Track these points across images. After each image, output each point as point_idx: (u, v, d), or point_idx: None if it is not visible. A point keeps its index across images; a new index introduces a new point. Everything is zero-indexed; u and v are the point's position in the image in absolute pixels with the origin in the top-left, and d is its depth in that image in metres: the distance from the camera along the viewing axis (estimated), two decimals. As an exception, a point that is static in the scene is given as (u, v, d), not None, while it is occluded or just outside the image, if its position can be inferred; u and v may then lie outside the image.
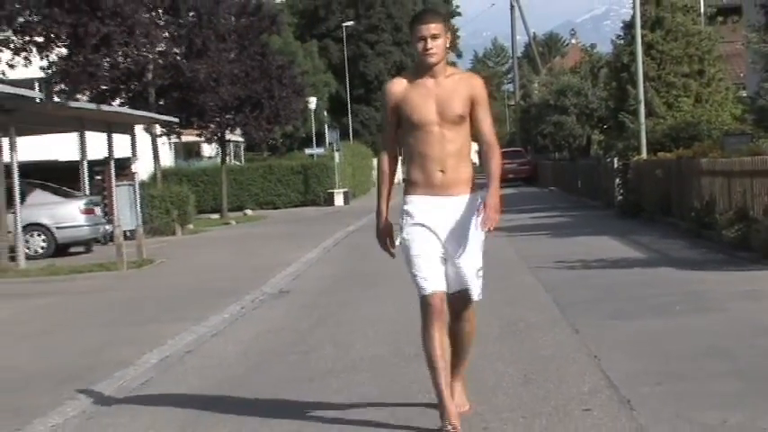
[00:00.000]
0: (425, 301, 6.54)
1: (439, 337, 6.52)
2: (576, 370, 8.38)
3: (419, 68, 6.70)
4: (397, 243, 6.68)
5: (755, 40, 20.69)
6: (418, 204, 6.63)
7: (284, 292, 15.50)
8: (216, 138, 42.88)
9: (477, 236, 6.61)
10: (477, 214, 6.50)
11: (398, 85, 6.70)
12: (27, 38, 23.37)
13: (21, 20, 22.92)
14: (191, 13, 37.11)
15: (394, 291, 13.69)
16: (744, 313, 11.05)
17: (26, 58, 23.84)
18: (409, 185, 6.71)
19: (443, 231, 6.58)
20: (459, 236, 6.60)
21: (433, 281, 6.53)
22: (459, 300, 6.72)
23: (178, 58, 36.27)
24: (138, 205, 29.82)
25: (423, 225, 6.58)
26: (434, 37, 6.54)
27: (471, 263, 6.63)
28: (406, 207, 6.68)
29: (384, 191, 6.86)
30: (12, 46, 23.45)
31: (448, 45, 6.67)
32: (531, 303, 12.39)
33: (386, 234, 6.84)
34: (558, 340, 9.89)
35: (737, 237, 17.24)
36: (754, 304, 11.62)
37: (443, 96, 6.59)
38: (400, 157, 7.07)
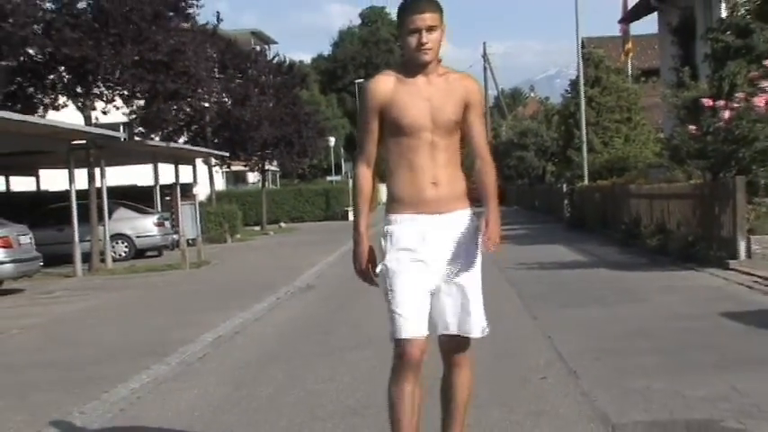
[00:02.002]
0: (401, 348, 4.20)
1: (410, 392, 4.21)
2: (534, 348, 8.36)
3: (409, 66, 4.29)
4: (378, 270, 4.33)
5: (669, 95, 20.71)
6: (405, 225, 4.27)
7: (310, 287, 15.48)
8: (258, 167, 43.04)
9: (479, 259, 4.39)
10: (479, 233, 4.33)
11: (385, 84, 4.28)
12: (116, 91, 23.49)
13: (113, 78, 23.03)
14: (236, 72, 37.28)
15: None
16: (663, 303, 11.03)
17: (115, 107, 23.98)
18: (394, 203, 4.33)
19: (437, 258, 4.26)
20: (458, 260, 4.29)
21: (415, 324, 4.18)
22: (454, 341, 4.35)
23: (228, 105, 36.42)
24: (198, 220, 29.86)
25: (410, 251, 4.24)
26: (430, 29, 4.19)
27: (475, 291, 4.36)
28: (389, 228, 4.32)
29: (363, 208, 4.40)
30: (104, 98, 23.58)
31: (443, 40, 4.29)
32: (499, 296, 12.35)
33: (365, 259, 4.38)
34: (520, 324, 9.86)
35: (657, 245, 17.25)
36: (671, 296, 11.60)
37: (437, 99, 4.26)
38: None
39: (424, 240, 4.25)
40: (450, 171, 4.29)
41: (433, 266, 4.25)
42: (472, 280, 4.35)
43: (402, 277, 4.24)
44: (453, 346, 4.36)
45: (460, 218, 4.33)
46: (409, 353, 4.18)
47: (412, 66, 4.28)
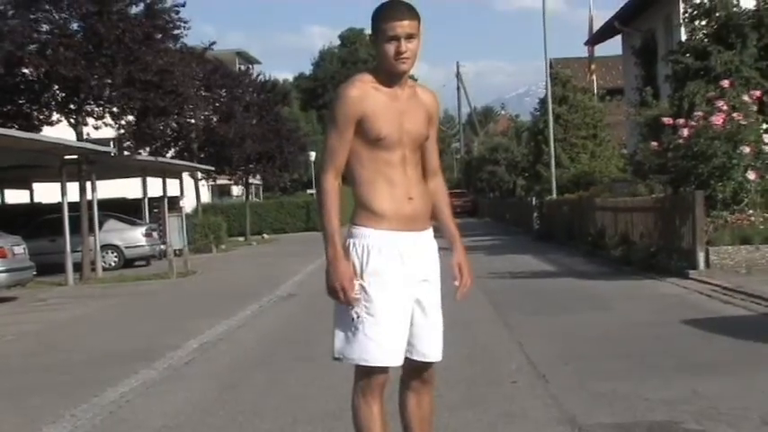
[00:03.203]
0: (372, 372, 3.78)
1: (378, 410, 3.82)
2: (505, 353, 8.36)
3: (383, 75, 3.77)
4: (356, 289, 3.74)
5: (633, 113, 20.85)
6: (384, 242, 3.74)
7: (292, 295, 15.42)
8: (242, 181, 43.07)
9: (439, 281, 3.93)
10: (454, 279, 3.94)
11: (362, 92, 3.73)
12: (106, 109, 23.48)
13: (104, 96, 23.03)
14: (222, 90, 37.27)
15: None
16: (627, 311, 11.07)
17: (105, 124, 23.96)
18: (371, 216, 3.76)
19: (414, 277, 3.78)
20: (429, 280, 3.86)
21: (393, 353, 3.76)
22: (426, 364, 3.94)
23: (214, 122, 36.38)
24: (185, 231, 29.76)
25: (390, 270, 3.73)
26: (409, 37, 3.69)
27: (439, 314, 3.92)
28: (365, 242, 3.75)
29: (336, 222, 3.75)
30: (95, 114, 23.55)
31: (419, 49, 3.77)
32: (472, 304, 12.34)
33: (350, 277, 3.72)
34: (493, 331, 9.87)
35: (621, 255, 17.31)
36: (634, 304, 11.65)
37: (410, 113, 3.81)
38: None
39: (402, 259, 3.76)
40: (419, 187, 3.85)
41: (409, 288, 3.78)
42: (438, 302, 3.91)
43: (380, 302, 3.72)
44: (424, 368, 3.93)
45: (430, 236, 3.92)
46: (381, 378, 3.80)
47: (387, 75, 3.77)
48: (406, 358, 3.86)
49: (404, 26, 3.69)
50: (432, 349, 3.90)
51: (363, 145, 3.77)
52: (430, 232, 3.92)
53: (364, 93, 3.75)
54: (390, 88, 3.79)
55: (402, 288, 3.76)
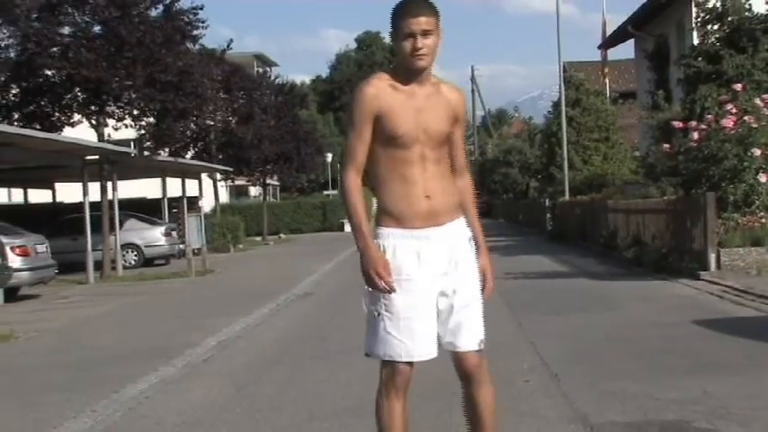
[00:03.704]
0: (395, 368, 3.80)
1: (401, 409, 3.82)
2: (518, 352, 8.35)
3: (402, 72, 3.77)
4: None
5: (645, 117, 20.78)
6: (399, 241, 3.77)
7: (308, 294, 15.45)
8: (259, 182, 43.08)
9: (476, 270, 3.93)
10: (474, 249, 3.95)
11: (379, 90, 3.75)
12: (126, 110, 23.57)
13: (125, 97, 23.12)
14: (241, 92, 37.32)
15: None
16: (638, 311, 11.04)
17: (125, 125, 24.05)
18: (385, 216, 3.81)
19: (438, 272, 3.79)
20: (460, 272, 3.84)
21: (416, 349, 3.76)
22: (467, 356, 3.89)
23: (232, 124, 36.45)
24: (203, 230, 29.84)
25: (406, 269, 3.76)
26: (426, 34, 3.67)
27: (478, 304, 3.92)
28: (383, 242, 3.79)
29: (362, 214, 3.77)
30: (116, 116, 23.64)
31: (438, 45, 3.75)
32: (487, 304, 12.32)
33: (383, 264, 3.73)
34: (506, 330, 9.85)
35: (633, 256, 17.26)
36: (646, 305, 11.61)
37: (429, 110, 3.78)
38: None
39: (419, 257, 3.77)
40: (442, 183, 3.83)
41: (431, 283, 3.78)
42: (468, 292, 3.86)
43: (399, 300, 3.75)
44: (470, 361, 3.88)
45: (456, 228, 3.88)
46: (403, 372, 3.80)
47: (405, 72, 3.77)
48: (450, 352, 3.88)
49: (420, 23, 3.67)
50: (461, 339, 3.85)
51: (380, 144, 3.78)
52: (456, 223, 3.90)
53: (380, 90, 3.75)
54: (408, 86, 3.77)
55: (421, 285, 3.76)
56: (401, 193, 3.78)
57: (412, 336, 3.76)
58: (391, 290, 3.74)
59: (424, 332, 3.78)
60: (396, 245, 3.78)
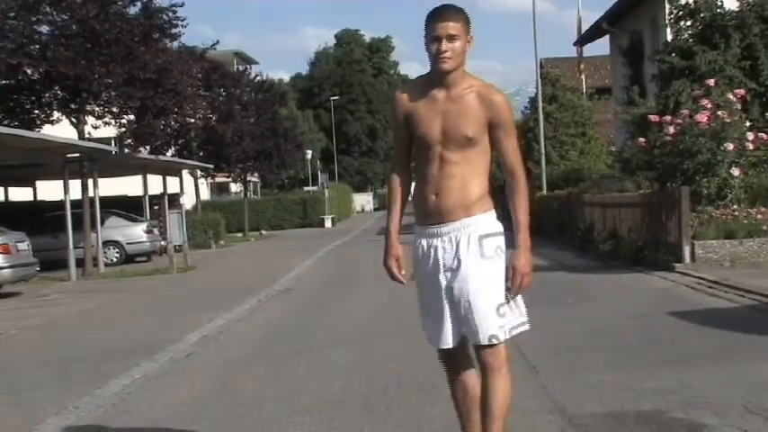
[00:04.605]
0: (439, 353, 4.14)
1: (460, 385, 4.15)
2: (497, 344, 8.35)
3: (433, 75, 3.97)
4: (409, 278, 4.11)
5: (620, 112, 20.88)
6: (418, 237, 4.04)
7: (289, 290, 15.43)
8: (240, 179, 43.01)
9: (488, 267, 3.99)
10: (506, 279, 4.04)
11: (406, 93, 4.06)
12: (106, 108, 23.43)
13: (105, 95, 22.97)
14: (221, 90, 37.19)
15: (369, 288, 13.65)
16: (615, 303, 11.09)
17: (105, 123, 23.91)
18: (414, 212, 4.10)
19: (445, 267, 3.97)
20: (462, 269, 3.94)
21: (437, 337, 4.03)
22: (478, 349, 4.02)
23: (213, 121, 36.33)
24: (184, 227, 29.64)
25: (423, 263, 4.02)
26: (451, 38, 3.85)
27: (484, 301, 3.94)
28: (414, 236, 4.09)
29: (392, 208, 4.15)
30: (95, 114, 23.49)
31: (468, 50, 3.93)
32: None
33: (394, 257, 4.09)
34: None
35: (610, 249, 17.34)
36: (622, 297, 11.66)
37: (453, 114, 3.92)
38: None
39: (430, 252, 3.99)
40: (454, 182, 3.94)
41: (440, 275, 3.96)
42: (471, 288, 3.92)
43: (420, 294, 4.09)
44: (478, 350, 4.00)
45: (463, 226, 3.97)
46: (441, 357, 4.14)
47: (435, 75, 3.95)
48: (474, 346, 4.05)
49: (446, 27, 3.86)
50: (470, 333, 3.98)
51: (414, 145, 4.08)
52: (465, 221, 3.99)
53: (408, 94, 4.06)
54: (437, 89, 3.97)
55: (433, 277, 3.99)
56: (419, 190, 4.04)
57: (430, 323, 4.05)
58: (399, 282, 4.11)
59: (438, 321, 4.00)
60: (418, 240, 4.06)
